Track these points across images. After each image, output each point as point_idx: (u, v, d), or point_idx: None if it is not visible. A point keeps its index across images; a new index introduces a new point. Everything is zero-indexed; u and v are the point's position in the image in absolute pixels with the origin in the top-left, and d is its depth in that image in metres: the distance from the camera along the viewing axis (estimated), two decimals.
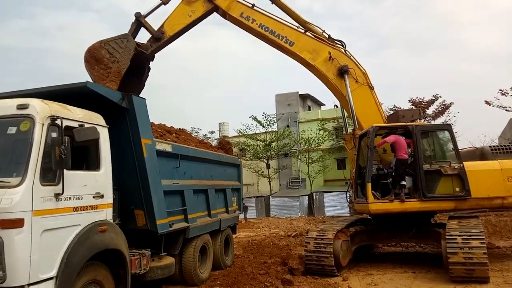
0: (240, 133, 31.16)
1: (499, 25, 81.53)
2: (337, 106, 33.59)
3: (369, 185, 8.23)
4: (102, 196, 4.93)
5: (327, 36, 9.54)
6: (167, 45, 8.71)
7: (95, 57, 7.27)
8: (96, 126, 4.93)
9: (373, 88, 9.56)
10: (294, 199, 26.30)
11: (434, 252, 10.39)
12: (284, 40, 9.08)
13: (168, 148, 6.65)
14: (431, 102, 25.46)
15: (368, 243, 9.99)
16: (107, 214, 5.03)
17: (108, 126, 5.23)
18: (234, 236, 10.01)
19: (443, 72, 69.34)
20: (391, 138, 8.64)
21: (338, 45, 9.55)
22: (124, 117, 5.76)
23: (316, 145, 28.16)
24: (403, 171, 8.39)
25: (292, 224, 19.14)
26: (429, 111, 25.67)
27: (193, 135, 10.45)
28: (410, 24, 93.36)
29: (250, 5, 9.03)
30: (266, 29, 9.05)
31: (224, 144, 10.39)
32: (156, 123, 7.72)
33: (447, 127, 8.90)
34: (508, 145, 9.07)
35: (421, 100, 25.57)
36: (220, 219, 8.46)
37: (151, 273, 5.97)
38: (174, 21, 8.60)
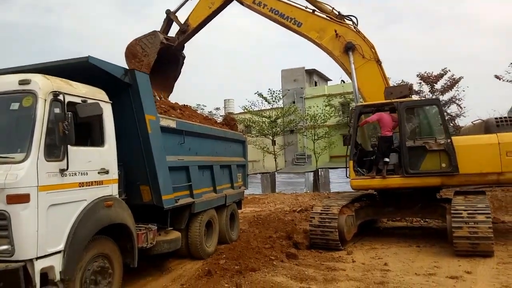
0: (245, 110, 31.01)
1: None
2: (344, 82, 33.14)
3: (351, 162, 8.69)
4: (107, 172, 4.96)
5: (336, 14, 9.55)
6: (192, 36, 9.76)
7: (132, 52, 8.72)
8: (99, 102, 4.91)
9: (381, 63, 9.43)
10: (299, 175, 26.39)
11: (439, 226, 10.45)
12: (293, 21, 9.41)
13: (172, 124, 6.62)
14: (440, 76, 25.00)
15: (373, 218, 10.05)
16: (112, 190, 5.07)
17: (111, 102, 5.20)
18: (239, 211, 10.12)
19: (453, 47, 67.78)
20: (373, 117, 8.89)
21: (346, 22, 9.51)
22: (127, 93, 5.72)
23: (322, 121, 27.97)
24: (386, 148, 8.58)
25: (297, 199, 19.28)
26: (438, 85, 25.22)
27: (198, 112, 10.37)
28: None
29: None
30: (276, 12, 9.47)
31: (229, 120, 10.33)
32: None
33: (435, 101, 8.48)
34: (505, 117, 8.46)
35: (429, 75, 25.12)
36: (226, 194, 8.52)
37: (158, 247, 6.08)
38: (197, 13, 9.64)
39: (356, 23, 9.56)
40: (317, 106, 28.54)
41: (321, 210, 8.41)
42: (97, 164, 4.83)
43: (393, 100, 8.65)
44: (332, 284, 5.74)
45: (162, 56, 8.97)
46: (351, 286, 5.61)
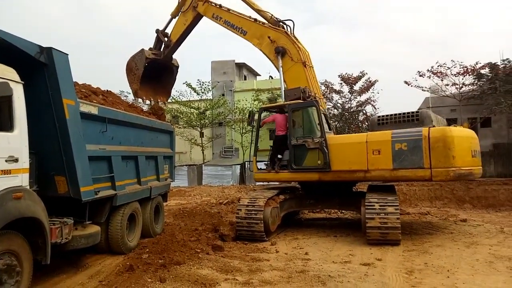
0: (173, 100, 30.15)
1: (426, 12, 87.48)
2: (272, 77, 33.95)
3: (254, 158, 9.98)
4: (16, 160, 4.47)
5: (275, 20, 10.21)
6: (175, 49, 11.51)
7: (129, 67, 11.06)
8: (9, 82, 4.41)
9: (311, 66, 10.02)
10: (226, 167, 26.52)
11: (354, 218, 11.30)
12: (240, 30, 10.41)
13: (94, 110, 6.18)
14: (358, 78, 26.79)
15: (295, 209, 10.53)
16: (22, 180, 4.59)
17: (23, 82, 4.68)
18: (165, 204, 9.85)
19: (371, 52, 73.18)
20: (269, 118, 10.04)
21: (280, 28, 10.04)
22: (43, 73, 5.20)
23: (254, 110, 28.32)
24: (279, 146, 9.58)
25: (224, 192, 19.36)
26: (356, 87, 27.03)
27: (122, 99, 9.81)
28: (345, 1, 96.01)
29: (218, 6, 10.78)
30: (228, 23, 10.61)
31: (156, 109, 9.97)
32: (80, 82, 7.11)
33: (313, 103, 9.02)
34: (393, 115, 8.76)
35: (349, 76, 26.77)
36: (151, 186, 8.22)
37: (74, 242, 5.64)
38: (176, 30, 11.38)
39: (292, 27, 10.15)
40: (246, 100, 28.85)
41: (248, 202, 8.55)
42: (4, 151, 4.33)
43: (285, 103, 9.44)
44: (256, 274, 5.88)
45: (157, 67, 11.28)
46: (275, 276, 5.80)
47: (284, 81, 9.94)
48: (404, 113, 8.60)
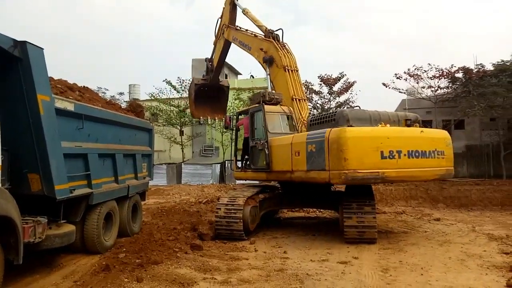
0: (152, 97, 29.76)
1: (406, 15, 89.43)
2: (253, 77, 33.98)
3: (234, 158, 10.85)
4: None
5: (269, 31, 10.78)
6: (218, 71, 13.77)
7: (188, 93, 14.60)
8: None
9: (295, 70, 10.27)
10: (206, 166, 26.40)
11: (332, 217, 11.44)
12: (247, 47, 11.40)
13: (69, 106, 6.02)
14: (338, 79, 27.12)
15: (274, 208, 10.60)
16: None
17: None
18: (143, 203, 9.72)
19: (353, 53, 74.24)
20: (240, 122, 10.57)
21: (271, 38, 10.61)
22: (16, 68, 5.03)
23: (231, 114, 28.23)
24: (245, 147, 10.12)
25: (203, 191, 19.24)
26: (335, 88, 27.36)
27: (99, 95, 9.61)
28: (327, 2, 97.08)
29: (234, 28, 12.18)
30: (241, 42, 11.73)
31: (135, 106, 9.81)
32: (55, 78, 6.92)
33: (260, 108, 9.39)
34: (320, 115, 8.69)
35: (329, 77, 27.07)
36: (128, 185, 8.10)
37: (47, 242, 5.49)
38: (215, 55, 13.48)
39: (281, 35, 10.68)
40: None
41: (227, 201, 8.54)
42: None
43: (249, 107, 10.09)
44: (235, 273, 5.87)
45: (211, 89, 13.96)
46: (253, 274, 5.81)
47: (273, 87, 10.43)
48: (324, 114, 8.55)
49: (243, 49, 11.58)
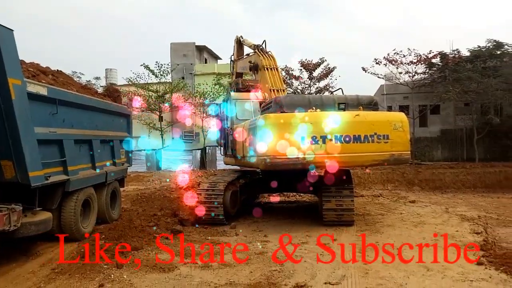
0: (130, 82, 29.07)
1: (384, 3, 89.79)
2: (233, 62, 33.63)
3: (221, 143, 11.03)
4: None
5: (255, 45, 11.56)
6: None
7: None
8: None
9: (274, 68, 10.83)
10: (187, 152, 26.20)
11: (311, 201, 11.63)
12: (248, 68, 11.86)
13: (42, 91, 5.83)
14: (318, 65, 27.16)
15: (255, 193, 10.67)
16: None
17: None
18: (122, 189, 9.60)
19: (331, 40, 74.35)
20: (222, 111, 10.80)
21: (256, 50, 11.30)
22: None
23: (211, 99, 27.98)
24: (222, 133, 10.70)
25: (184, 177, 19.15)
26: (316, 73, 27.42)
27: (74, 80, 9.32)
28: None
29: (239, 59, 12.87)
30: (244, 67, 12.28)
31: (111, 91, 9.58)
32: (27, 61, 6.67)
33: (228, 97, 10.01)
34: (266, 102, 8.78)
35: (309, 62, 27.07)
36: (106, 171, 7.96)
37: (23, 230, 5.37)
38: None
39: (265, 44, 11.35)
40: (207, 84, 28.40)
41: (208, 187, 8.53)
42: None
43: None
44: (216, 257, 5.91)
45: None
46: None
47: (261, 88, 10.86)
48: (268, 101, 8.65)
49: (251, 72, 12.22)
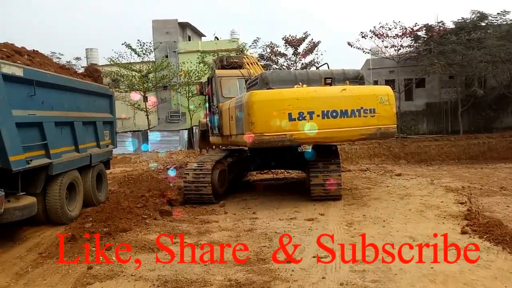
0: (112, 62, 28.35)
1: None
2: (217, 38, 33.00)
3: (209, 125, 10.96)
4: None
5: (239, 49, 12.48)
6: None
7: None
8: None
9: (254, 63, 10.86)
10: (173, 133, 25.99)
11: (299, 177, 11.70)
12: None
13: (18, 72, 5.59)
14: (302, 40, 26.83)
15: (243, 171, 10.68)
16: None
17: None
18: (108, 171, 9.47)
19: (319, 14, 72.98)
20: (209, 89, 10.67)
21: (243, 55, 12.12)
22: None
23: (196, 78, 27.55)
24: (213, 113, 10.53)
25: (171, 158, 19.06)
26: (300, 49, 27.11)
27: (52, 61, 8.99)
28: None
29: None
30: None
31: (92, 71, 9.28)
32: (0, 41, 6.37)
33: (213, 74, 10.04)
34: (255, 78, 8.25)
35: (293, 38, 26.72)
36: (90, 154, 7.81)
37: (7, 215, 5.27)
38: None
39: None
40: (191, 62, 27.88)
41: (195, 166, 8.47)
42: None
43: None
44: (205, 236, 5.93)
45: None
46: (223, 236, 5.89)
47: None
48: (254, 77, 8.39)
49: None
